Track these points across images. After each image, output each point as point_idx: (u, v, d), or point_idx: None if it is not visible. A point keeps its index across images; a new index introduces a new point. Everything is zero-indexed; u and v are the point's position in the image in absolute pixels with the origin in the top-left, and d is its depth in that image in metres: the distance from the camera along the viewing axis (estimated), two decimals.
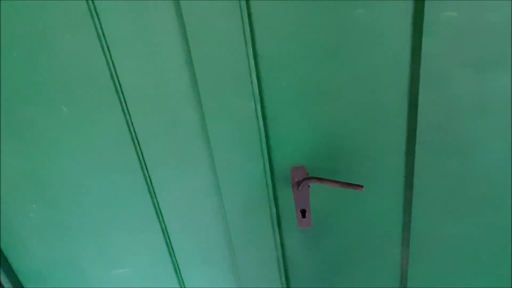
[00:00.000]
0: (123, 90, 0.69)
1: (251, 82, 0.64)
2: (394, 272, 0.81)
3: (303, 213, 0.76)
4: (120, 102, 0.71)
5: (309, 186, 0.74)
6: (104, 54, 0.66)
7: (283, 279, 0.85)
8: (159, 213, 0.82)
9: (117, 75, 0.68)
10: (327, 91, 0.65)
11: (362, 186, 0.65)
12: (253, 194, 0.75)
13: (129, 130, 0.73)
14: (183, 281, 0.90)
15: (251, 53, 0.62)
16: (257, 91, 0.65)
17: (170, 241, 0.85)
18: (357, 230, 0.78)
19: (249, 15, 0.60)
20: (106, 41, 0.66)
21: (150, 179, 0.78)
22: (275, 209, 0.77)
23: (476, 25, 0.55)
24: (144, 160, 0.76)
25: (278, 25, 0.60)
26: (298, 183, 0.72)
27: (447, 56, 0.58)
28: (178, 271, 0.89)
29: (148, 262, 0.88)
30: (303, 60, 0.62)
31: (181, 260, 0.88)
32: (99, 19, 0.64)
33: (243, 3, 0.58)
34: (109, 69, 0.68)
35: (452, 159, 0.66)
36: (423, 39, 0.57)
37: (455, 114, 0.62)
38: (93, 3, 0.62)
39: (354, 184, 0.66)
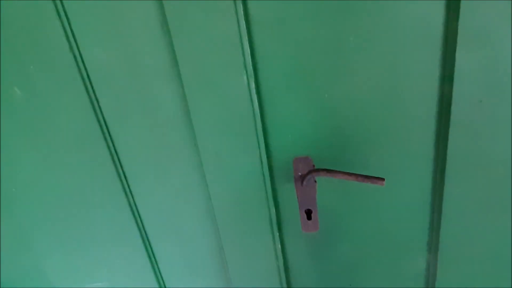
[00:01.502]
0: (86, 66, 0.61)
1: (243, 51, 0.55)
2: (418, 284, 0.72)
3: (308, 214, 0.68)
4: (84, 81, 0.62)
5: (315, 181, 0.65)
6: (61, 22, 0.57)
7: None
8: (137, 217, 0.74)
9: (78, 48, 0.59)
10: (337, 61, 0.55)
11: (383, 179, 0.56)
12: (248, 192, 0.67)
13: (97, 117, 0.65)
14: None
15: (242, 15, 0.53)
16: (250, 62, 0.56)
17: (151, 250, 0.77)
18: (373, 234, 0.69)
19: None
20: (63, 6, 0.56)
21: (125, 177, 0.69)
22: (274, 210, 0.69)
23: None
24: (116, 154, 0.68)
25: None
26: (302, 178, 0.64)
27: (493, 8, 0.46)
28: (162, 284, 0.81)
29: (127, 274, 0.80)
30: (308, 22, 0.53)
31: (165, 272, 0.80)
32: None
33: None
34: (68, 40, 0.58)
35: (496, 145, 0.56)
36: None
37: (502, 85, 0.51)
38: None
39: (373, 177, 0.56)
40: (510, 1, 0.46)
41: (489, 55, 0.50)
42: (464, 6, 0.47)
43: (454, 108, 0.54)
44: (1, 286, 0.84)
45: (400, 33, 0.51)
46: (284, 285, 0.75)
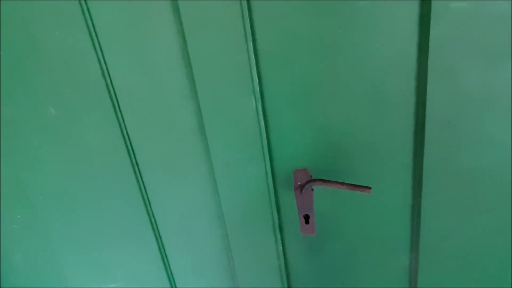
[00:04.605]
0: (115, 88, 0.67)
1: (252, 79, 0.62)
2: (402, 280, 0.78)
3: (307, 218, 0.73)
4: (112, 101, 0.68)
5: (312, 190, 0.71)
6: (95, 51, 0.64)
7: None
8: (153, 221, 0.79)
9: (108, 73, 0.66)
10: (331, 88, 0.63)
11: (370, 188, 0.63)
12: (253, 199, 0.72)
13: (122, 132, 0.71)
14: None
15: (252, 48, 0.60)
16: (258, 88, 0.63)
17: (164, 252, 0.82)
18: (363, 236, 0.75)
19: (249, 7, 0.58)
20: (97, 37, 0.64)
21: (143, 185, 0.75)
22: (276, 215, 0.74)
23: (485, 16, 0.54)
24: (137, 164, 0.74)
25: (279, 18, 0.59)
26: (301, 186, 0.70)
27: (457, 48, 0.56)
28: (173, 283, 0.86)
29: (141, 274, 0.85)
30: (306, 55, 0.61)
31: (176, 272, 0.84)
32: (90, 14, 0.62)
33: None
34: (101, 66, 0.65)
35: (464, 157, 0.64)
36: (431, 31, 0.55)
37: (466, 109, 0.60)
38: None
39: (361, 186, 0.63)
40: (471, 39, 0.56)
41: (454, 84, 0.58)
42: (432, 45, 0.55)
43: (427, 127, 0.61)
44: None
45: (383, 67, 0.59)
46: (285, 282, 0.80)
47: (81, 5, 0.61)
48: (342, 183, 0.65)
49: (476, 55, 0.56)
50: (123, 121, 0.69)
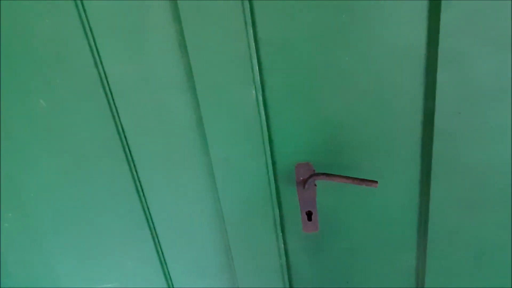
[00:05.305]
0: (108, 79, 0.65)
1: (252, 68, 0.60)
2: (409, 280, 0.76)
3: (309, 215, 0.71)
4: (106, 93, 0.66)
5: (315, 185, 0.69)
6: (88, 40, 0.62)
7: None
8: (149, 218, 0.77)
9: (101, 63, 0.63)
10: (334, 77, 0.60)
11: (376, 182, 0.60)
12: (254, 195, 0.70)
13: (116, 125, 0.69)
14: None
15: (252, 35, 0.58)
16: (258, 78, 0.61)
17: (161, 250, 0.80)
18: (368, 233, 0.73)
19: None
20: (89, 25, 0.61)
21: (139, 181, 0.73)
22: (278, 211, 0.72)
23: (498, 1, 0.51)
24: (132, 159, 0.71)
25: (280, 4, 0.56)
26: (304, 181, 0.67)
27: (468, 34, 0.53)
28: (170, 284, 0.83)
29: (137, 274, 0.82)
30: (309, 43, 0.58)
31: (174, 272, 0.82)
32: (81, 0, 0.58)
33: None
34: (93, 56, 0.63)
35: (474, 151, 0.61)
36: (441, 15, 0.53)
37: (477, 98, 0.57)
38: None
39: (367, 180, 0.60)
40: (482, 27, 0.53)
41: (465, 73, 0.55)
42: (442, 30, 0.53)
43: (437, 118, 0.59)
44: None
45: (390, 55, 0.57)
46: (286, 281, 0.78)
47: None
48: (347, 177, 0.63)
49: (488, 43, 0.54)
50: (117, 113, 0.67)
